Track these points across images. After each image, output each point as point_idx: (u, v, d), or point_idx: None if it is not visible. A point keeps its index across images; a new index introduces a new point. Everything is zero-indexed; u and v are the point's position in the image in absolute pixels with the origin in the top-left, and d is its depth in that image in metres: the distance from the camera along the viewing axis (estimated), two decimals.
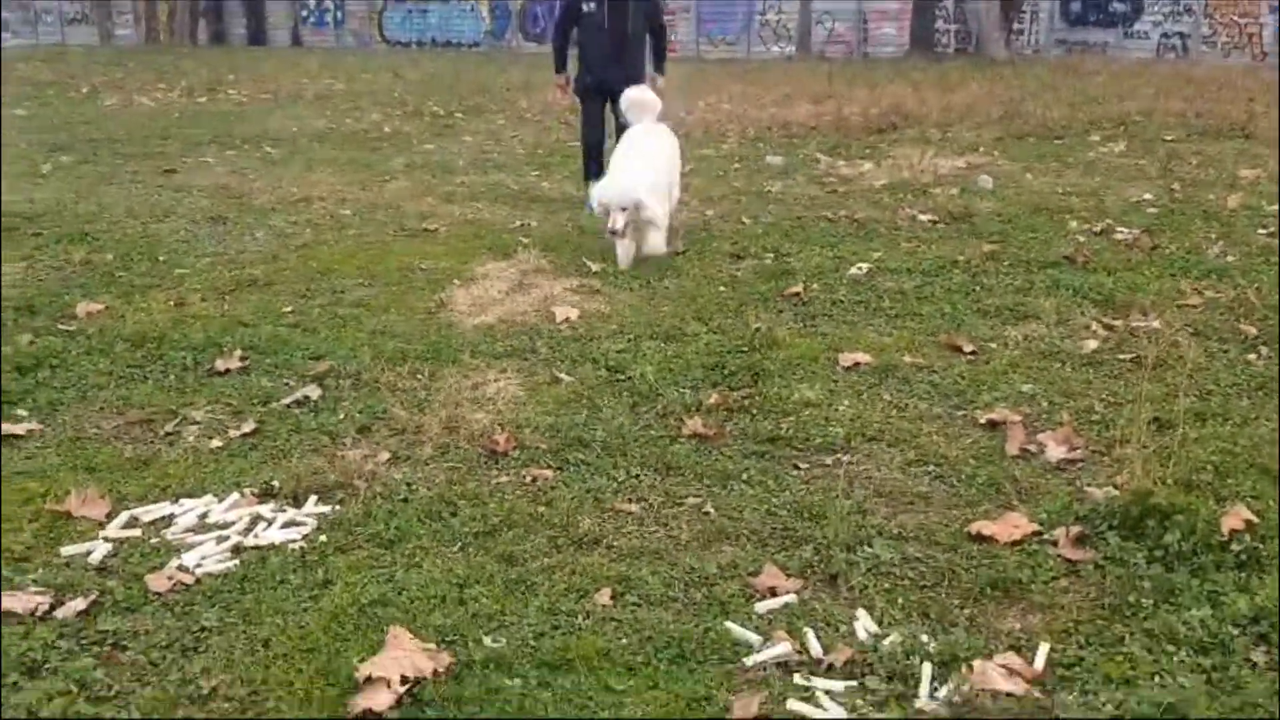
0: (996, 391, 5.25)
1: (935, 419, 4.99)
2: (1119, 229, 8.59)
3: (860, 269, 7.49)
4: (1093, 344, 5.89)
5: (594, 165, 9.67)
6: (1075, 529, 3.84)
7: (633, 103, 8.62)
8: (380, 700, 3.03)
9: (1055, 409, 5.02)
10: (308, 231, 9.13)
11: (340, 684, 3.11)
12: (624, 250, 7.51)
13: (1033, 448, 4.61)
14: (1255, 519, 3.78)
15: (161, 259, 8.10)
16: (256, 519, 4.14)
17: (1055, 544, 3.81)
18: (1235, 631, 3.25)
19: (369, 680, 3.08)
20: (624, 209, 7.23)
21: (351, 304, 6.90)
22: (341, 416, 5.07)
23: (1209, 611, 3.34)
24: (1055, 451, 4.55)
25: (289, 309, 6.74)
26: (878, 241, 8.40)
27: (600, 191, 7.49)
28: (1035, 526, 3.92)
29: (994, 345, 5.92)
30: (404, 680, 3.09)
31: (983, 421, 4.90)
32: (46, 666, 3.26)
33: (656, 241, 7.49)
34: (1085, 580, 3.61)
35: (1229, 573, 3.55)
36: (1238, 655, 3.15)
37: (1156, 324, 6.11)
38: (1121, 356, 5.71)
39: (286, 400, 5.29)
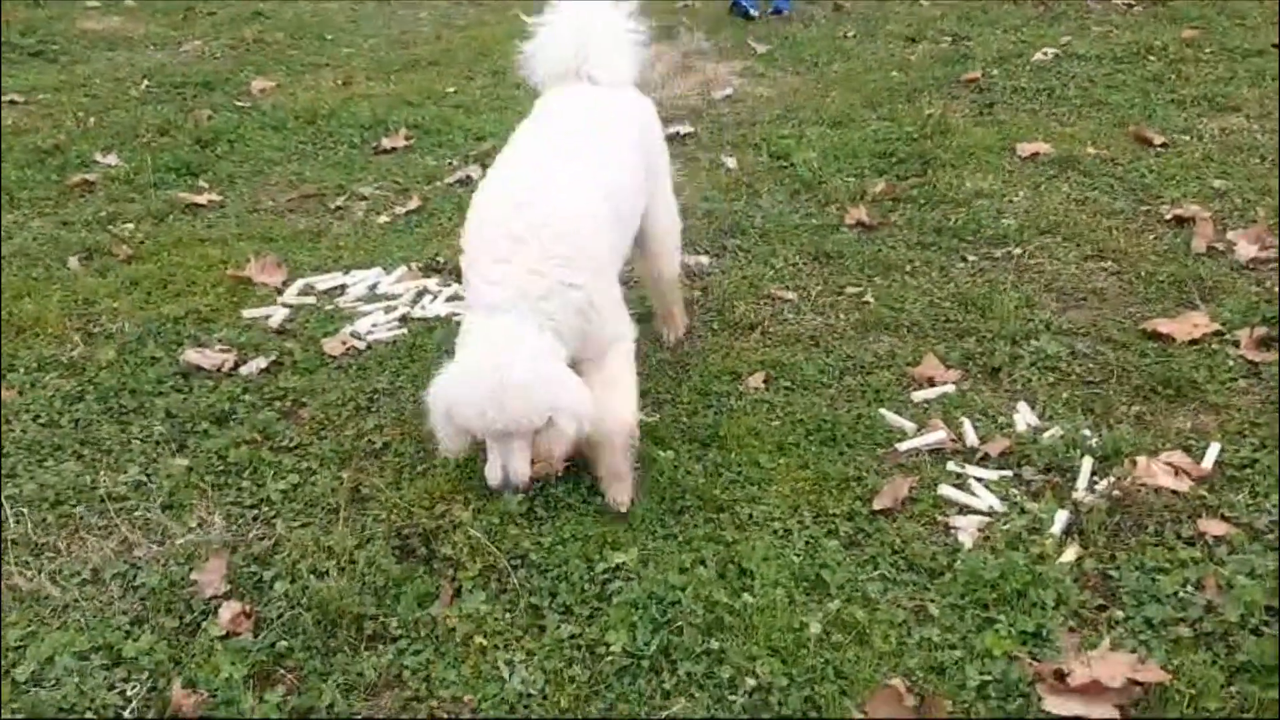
0: (1186, 186, 4.91)
1: (1117, 214, 4.71)
2: None
3: (1045, 54, 6.99)
4: None
5: None
6: (1260, 329, 3.62)
7: None
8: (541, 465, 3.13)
9: (1249, 206, 4.66)
10: (471, 11, 9.04)
11: None
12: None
13: (1221, 245, 4.33)
14: None
15: (329, 38, 8.17)
16: (422, 292, 4.26)
17: (1237, 344, 3.61)
18: None
19: None
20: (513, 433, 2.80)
21: (513, 84, 6.84)
22: None
23: None
24: (1246, 250, 4.25)
25: (452, 89, 6.75)
26: (1065, 25, 7.80)
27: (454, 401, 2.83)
28: (1217, 326, 3.72)
29: (1187, 138, 5.50)
30: None
31: (1169, 217, 4.60)
32: (234, 417, 3.49)
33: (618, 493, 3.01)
34: (1266, 382, 3.42)
35: None
36: None
37: None
38: None
39: (450, 179, 5.36)
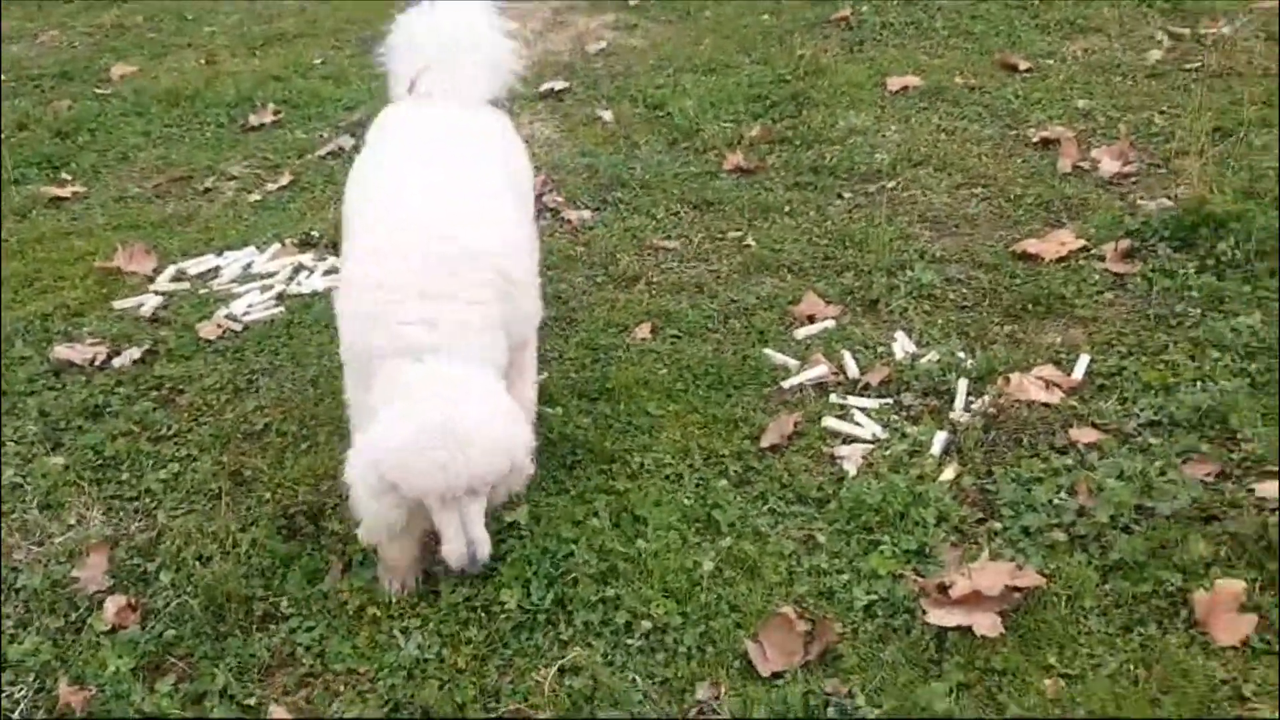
0: (1051, 109, 5.01)
1: (985, 140, 4.80)
2: None
3: None
4: (1156, 54, 5.55)
5: None
6: (1124, 242, 3.73)
7: None
8: None
9: (1112, 124, 4.79)
10: None
11: None
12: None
13: (1086, 164, 4.44)
14: None
15: (190, 18, 7.89)
16: (298, 268, 4.18)
17: (1103, 259, 3.72)
18: None
19: None
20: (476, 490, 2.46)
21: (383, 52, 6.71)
22: None
23: (1258, 317, 3.26)
24: (1109, 166, 4.37)
25: (319, 61, 6.59)
26: None
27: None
28: (1083, 242, 3.82)
29: (1051, 62, 5.61)
30: None
31: (1035, 140, 4.71)
32: (109, 410, 3.40)
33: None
34: (1131, 293, 3.54)
35: None
36: None
37: (1226, 29, 5.73)
38: (1187, 66, 5.37)
39: (322, 151, 5.25)
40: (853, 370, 3.32)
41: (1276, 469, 2.66)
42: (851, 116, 5.12)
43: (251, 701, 2.37)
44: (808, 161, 4.74)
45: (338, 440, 3.10)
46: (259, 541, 2.75)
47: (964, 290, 3.67)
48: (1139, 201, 4.07)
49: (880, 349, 3.41)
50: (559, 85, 5.83)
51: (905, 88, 5.39)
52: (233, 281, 4.14)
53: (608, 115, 5.42)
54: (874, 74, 5.61)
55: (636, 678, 2.33)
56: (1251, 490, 2.62)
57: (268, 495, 2.93)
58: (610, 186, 4.67)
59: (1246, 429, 2.82)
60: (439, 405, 2.33)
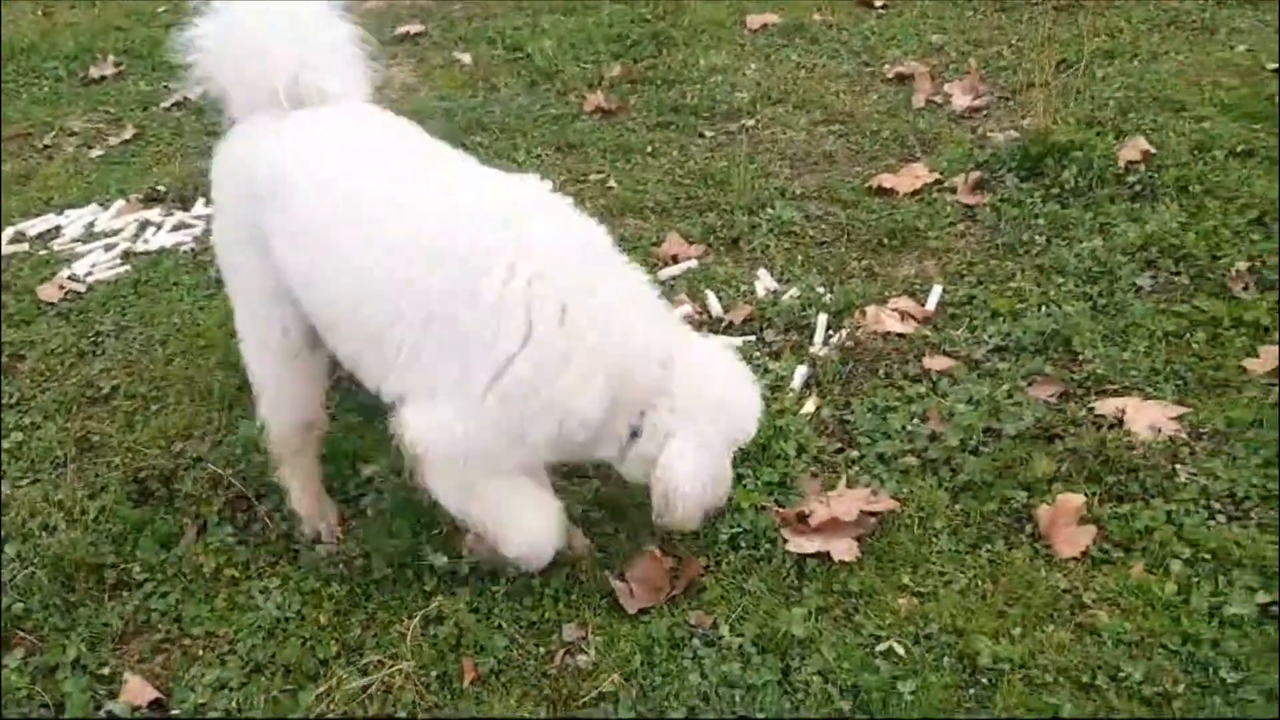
0: (906, 45, 5.09)
1: (843, 77, 4.85)
2: None
3: None
4: None
5: None
6: (974, 174, 3.82)
7: None
8: None
9: (963, 58, 4.88)
10: None
11: (240, 377, 3.08)
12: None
13: (939, 99, 4.52)
14: (1152, 150, 3.77)
15: None
16: (145, 224, 4.01)
17: (954, 191, 3.80)
18: (1123, 260, 3.30)
19: None
20: None
21: None
22: (224, 116, 4.82)
23: (1099, 243, 3.38)
24: (960, 100, 4.46)
25: (163, 9, 6.28)
26: None
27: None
28: (936, 175, 3.90)
29: None
30: None
31: (890, 76, 4.77)
32: None
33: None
34: (982, 223, 3.63)
35: (1123, 204, 3.57)
36: (1124, 281, 3.21)
37: None
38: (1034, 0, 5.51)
39: (166, 103, 5.03)
40: (716, 309, 3.34)
41: (1116, 387, 2.78)
42: (712, 55, 5.12)
43: (105, 671, 2.29)
44: (669, 101, 4.72)
45: (189, 401, 3.01)
46: (109, 508, 2.65)
47: (823, 226, 3.72)
48: (988, 134, 4.18)
49: (743, 287, 3.44)
50: (414, 29, 5.68)
51: (764, 25, 5.40)
52: (75, 241, 3.96)
53: (466, 58, 5.31)
54: (734, 12, 5.60)
55: (502, 623, 2.32)
56: (1091, 409, 2.73)
57: (117, 460, 2.82)
58: (470, 130, 4.59)
59: (1088, 350, 2.93)
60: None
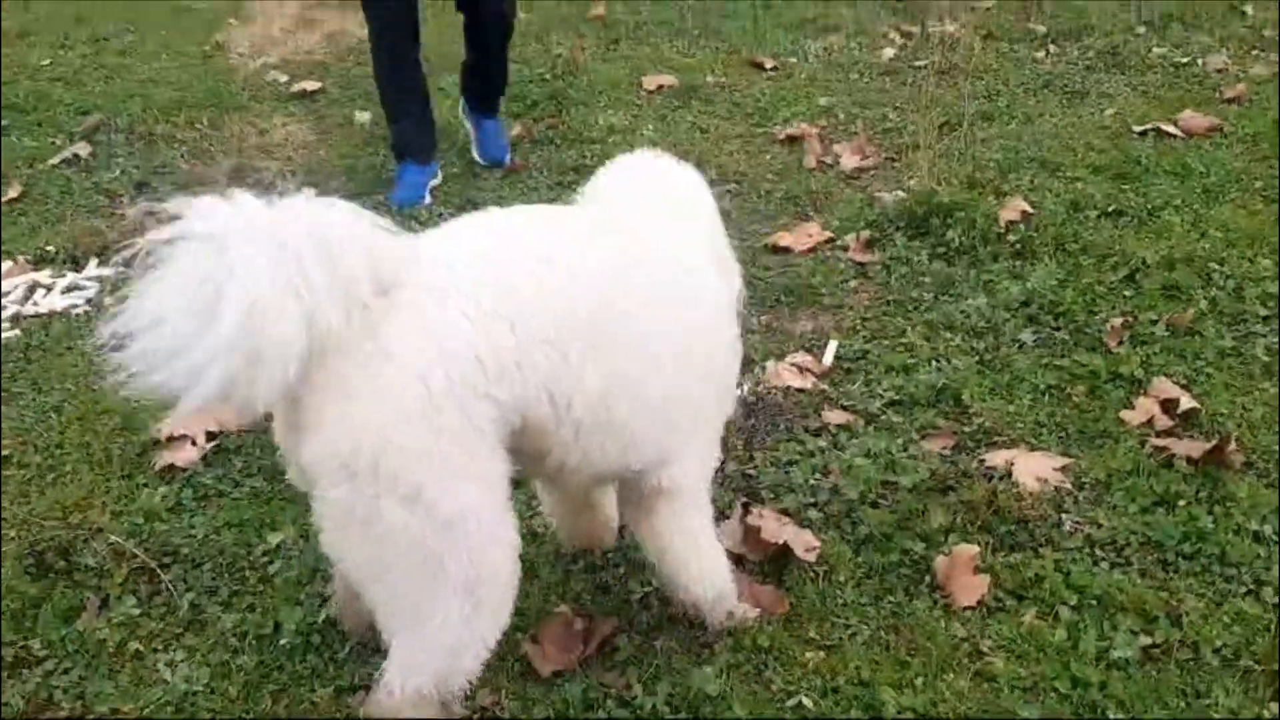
0: (796, 106, 5.27)
1: (737, 138, 5.00)
2: None
3: None
4: (890, 52, 5.94)
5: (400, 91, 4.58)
6: (865, 233, 3.98)
7: None
8: (185, 455, 2.99)
9: (851, 120, 5.09)
10: None
11: (141, 443, 3.06)
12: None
13: (829, 159, 4.70)
14: (1030, 210, 3.98)
15: None
16: (34, 286, 3.91)
17: (847, 249, 3.95)
18: (1006, 315, 3.47)
19: (171, 438, 3.03)
20: None
21: (117, 52, 6.37)
22: (116, 173, 4.76)
23: (984, 300, 3.54)
24: (850, 161, 4.65)
25: (47, 61, 6.18)
26: None
27: None
28: (829, 234, 4.05)
29: (794, 60, 5.90)
30: (209, 436, 3.05)
31: (782, 137, 4.94)
32: None
33: None
34: (873, 280, 3.77)
35: (1005, 262, 3.75)
36: (1007, 336, 3.38)
37: (951, 28, 6.17)
38: (917, 63, 5.77)
39: (54, 160, 4.93)
40: None
41: (1004, 439, 2.92)
42: (610, 115, 5.23)
43: None
44: (569, 161, 4.81)
45: (87, 469, 2.94)
46: (4, 583, 2.57)
47: None
48: (877, 194, 4.35)
49: None
50: (311, 86, 5.68)
51: (660, 87, 5.54)
52: None
53: (364, 116, 5.32)
54: (630, 73, 5.74)
55: None
56: (982, 460, 2.86)
57: (12, 534, 2.74)
58: (373, 190, 4.59)
59: (977, 403, 3.07)
60: None
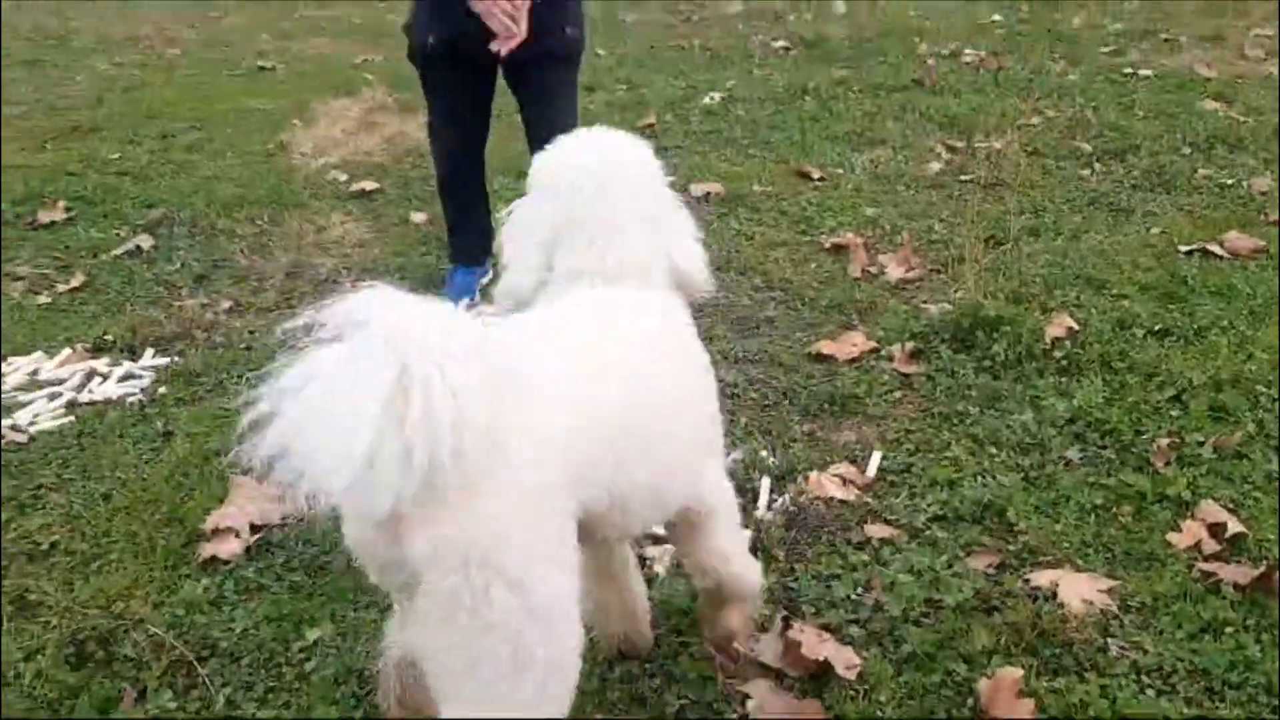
0: (841, 216, 5.34)
1: (782, 245, 5.06)
2: (967, 51, 8.68)
3: (713, 98, 7.43)
4: (936, 166, 6.01)
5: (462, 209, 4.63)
6: (910, 344, 3.98)
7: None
8: (228, 548, 3.02)
9: (897, 231, 5.13)
10: (133, 73, 8.60)
11: (186, 534, 3.09)
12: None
13: (874, 269, 4.74)
14: (1077, 326, 3.98)
15: None
16: (91, 374, 4.00)
17: (891, 359, 3.96)
18: (1053, 432, 3.45)
19: (216, 531, 3.06)
20: None
21: (184, 149, 6.58)
22: (177, 265, 4.89)
23: (1030, 415, 3.53)
24: (895, 272, 4.68)
25: (116, 155, 6.41)
26: (731, 70, 8.32)
27: None
28: (873, 344, 4.06)
29: (840, 171, 5.99)
30: (253, 529, 3.08)
31: (827, 246, 4.99)
32: None
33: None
34: (917, 392, 3.77)
35: (1050, 378, 3.74)
36: (1053, 453, 3.35)
37: (997, 145, 6.25)
38: (963, 177, 5.84)
39: (117, 251, 5.08)
40: None
41: (1049, 559, 2.88)
42: None
43: None
44: None
45: (131, 559, 2.97)
46: (44, 672, 2.58)
47: (765, 390, 3.84)
48: (922, 305, 4.36)
49: None
50: (370, 186, 5.84)
51: (708, 194, 5.63)
52: (18, 389, 3.93)
53: (420, 217, 5.45)
54: (678, 181, 5.83)
55: None
56: (1027, 580, 2.82)
57: (54, 621, 2.76)
58: (422, 289, 4.67)
59: (1022, 521, 3.04)
60: None
